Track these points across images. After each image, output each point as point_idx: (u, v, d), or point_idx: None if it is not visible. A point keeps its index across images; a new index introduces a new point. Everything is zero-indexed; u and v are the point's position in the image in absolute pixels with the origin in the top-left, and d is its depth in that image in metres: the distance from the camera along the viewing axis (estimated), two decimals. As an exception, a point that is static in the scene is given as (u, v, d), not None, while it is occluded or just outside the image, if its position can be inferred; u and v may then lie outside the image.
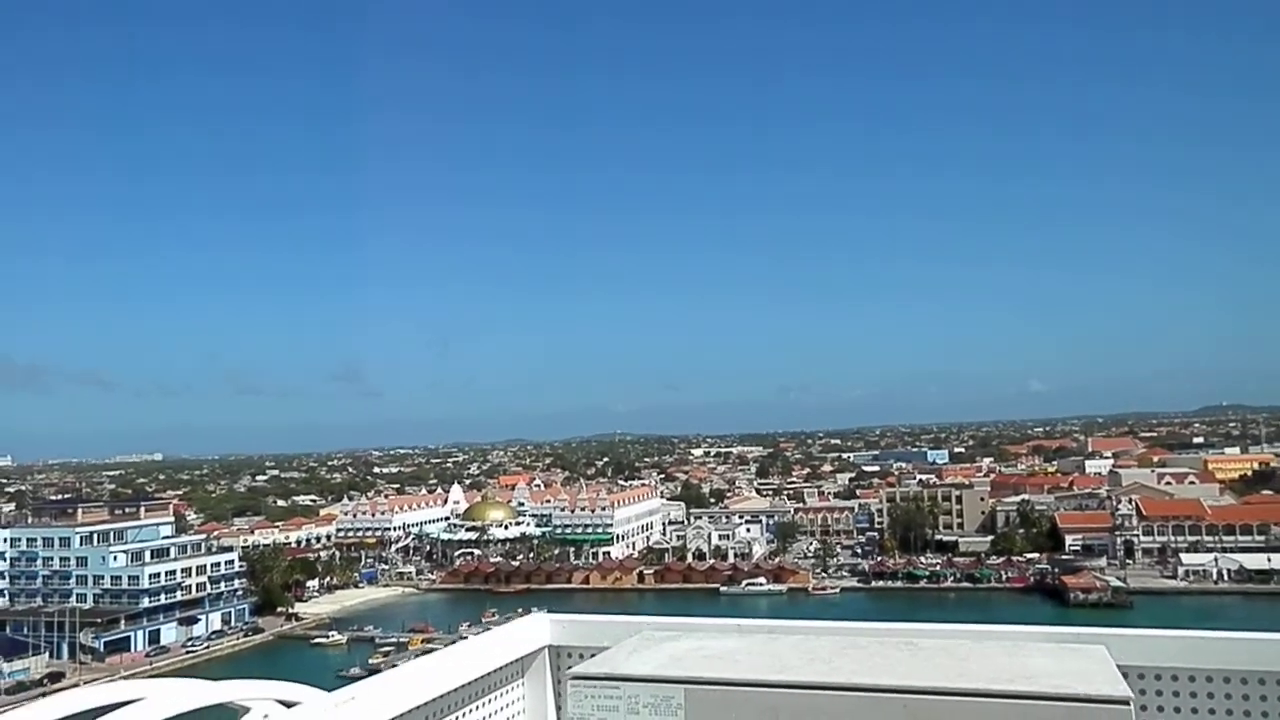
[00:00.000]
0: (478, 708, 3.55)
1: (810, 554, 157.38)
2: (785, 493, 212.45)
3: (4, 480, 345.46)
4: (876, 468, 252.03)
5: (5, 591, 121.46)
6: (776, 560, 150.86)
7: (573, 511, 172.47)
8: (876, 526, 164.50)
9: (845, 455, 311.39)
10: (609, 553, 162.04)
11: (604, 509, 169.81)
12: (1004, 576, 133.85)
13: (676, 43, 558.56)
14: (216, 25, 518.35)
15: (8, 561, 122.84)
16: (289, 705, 3.19)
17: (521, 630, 3.88)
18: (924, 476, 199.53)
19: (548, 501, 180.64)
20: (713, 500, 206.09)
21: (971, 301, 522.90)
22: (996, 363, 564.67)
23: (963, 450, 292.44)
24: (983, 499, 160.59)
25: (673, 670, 2.92)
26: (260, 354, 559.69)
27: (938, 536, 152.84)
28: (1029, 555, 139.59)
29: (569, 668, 3.74)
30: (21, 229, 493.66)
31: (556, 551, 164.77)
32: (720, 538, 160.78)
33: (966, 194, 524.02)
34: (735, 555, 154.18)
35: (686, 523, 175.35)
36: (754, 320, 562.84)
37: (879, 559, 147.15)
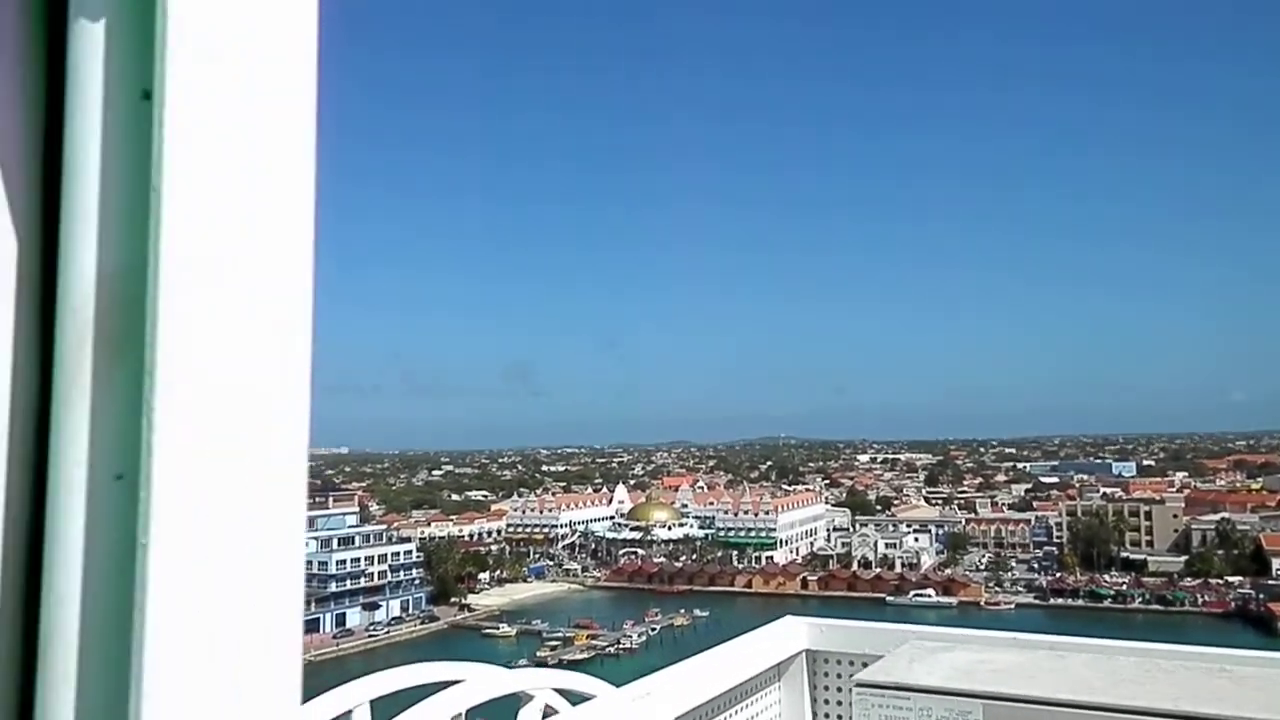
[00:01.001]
0: (738, 711, 3.59)
1: (982, 567, 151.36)
2: (956, 502, 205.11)
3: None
4: (1055, 479, 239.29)
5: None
6: (946, 572, 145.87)
7: (735, 515, 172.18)
8: (1055, 541, 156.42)
9: (1021, 465, 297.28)
10: (772, 557, 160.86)
11: (767, 513, 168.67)
12: (1199, 600, 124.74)
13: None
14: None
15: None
16: (569, 695, 3.46)
17: (778, 634, 3.86)
18: (1108, 490, 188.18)
19: (711, 504, 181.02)
20: (879, 507, 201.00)
21: (1164, 305, 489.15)
22: (1192, 371, 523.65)
23: (1152, 463, 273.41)
24: (1175, 516, 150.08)
25: (965, 683, 2.75)
26: (437, 354, 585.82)
27: (1123, 554, 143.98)
28: (1229, 579, 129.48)
29: (825, 674, 3.73)
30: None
31: (719, 554, 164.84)
32: (886, 546, 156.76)
33: (1161, 191, 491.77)
34: (902, 565, 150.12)
35: (851, 530, 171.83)
36: (925, 322, 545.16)
37: (1057, 575, 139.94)
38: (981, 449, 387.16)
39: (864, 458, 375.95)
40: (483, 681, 3.22)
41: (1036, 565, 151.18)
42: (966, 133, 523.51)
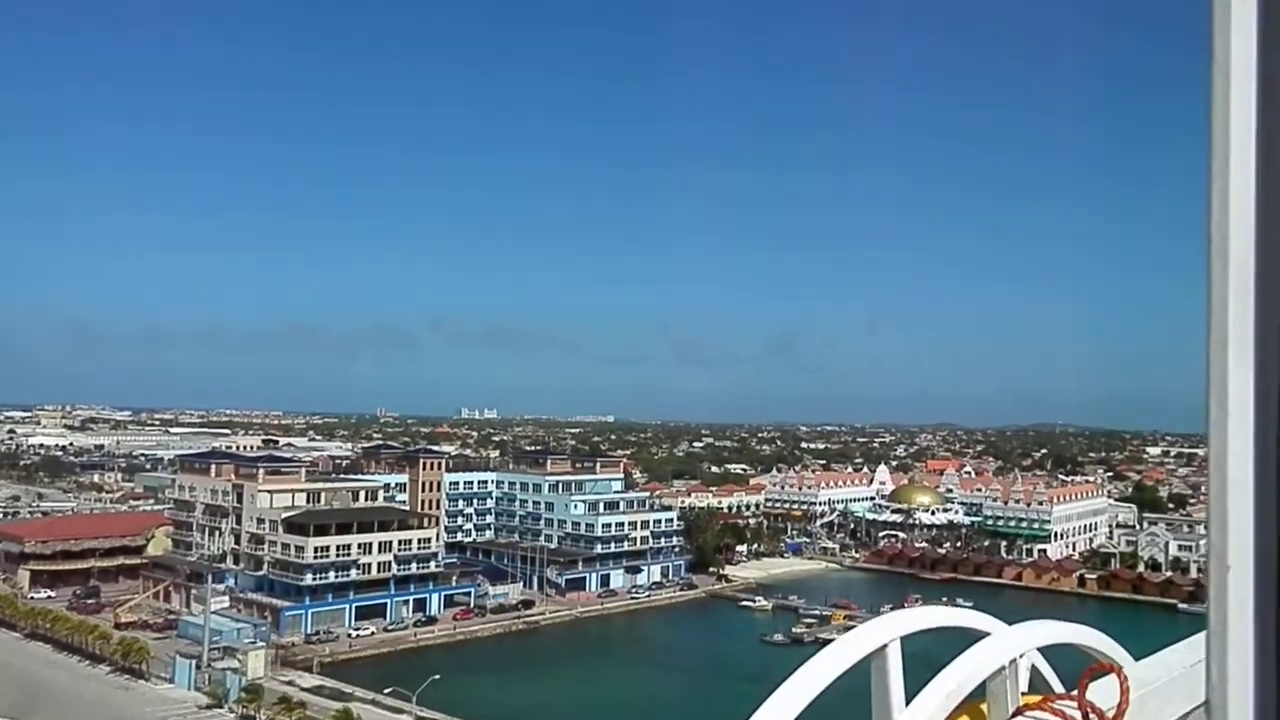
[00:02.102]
0: None
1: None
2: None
3: (491, 430, 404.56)
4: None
5: (492, 526, 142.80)
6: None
7: (1005, 503, 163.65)
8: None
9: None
10: (1044, 550, 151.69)
11: (1041, 504, 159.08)
12: None
13: None
14: None
15: (494, 500, 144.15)
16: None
17: None
18: None
19: (978, 490, 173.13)
20: (1171, 505, 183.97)
21: None
22: None
23: None
24: None
25: None
26: (707, 327, 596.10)
27: None
28: None
29: None
30: (518, 205, 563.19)
31: (986, 543, 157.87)
32: (1180, 548, 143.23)
33: None
34: (1198, 569, 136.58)
35: (1138, 528, 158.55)
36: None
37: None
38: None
39: (1155, 450, 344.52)
40: (1020, 636, 3.66)
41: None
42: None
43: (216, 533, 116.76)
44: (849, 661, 3.21)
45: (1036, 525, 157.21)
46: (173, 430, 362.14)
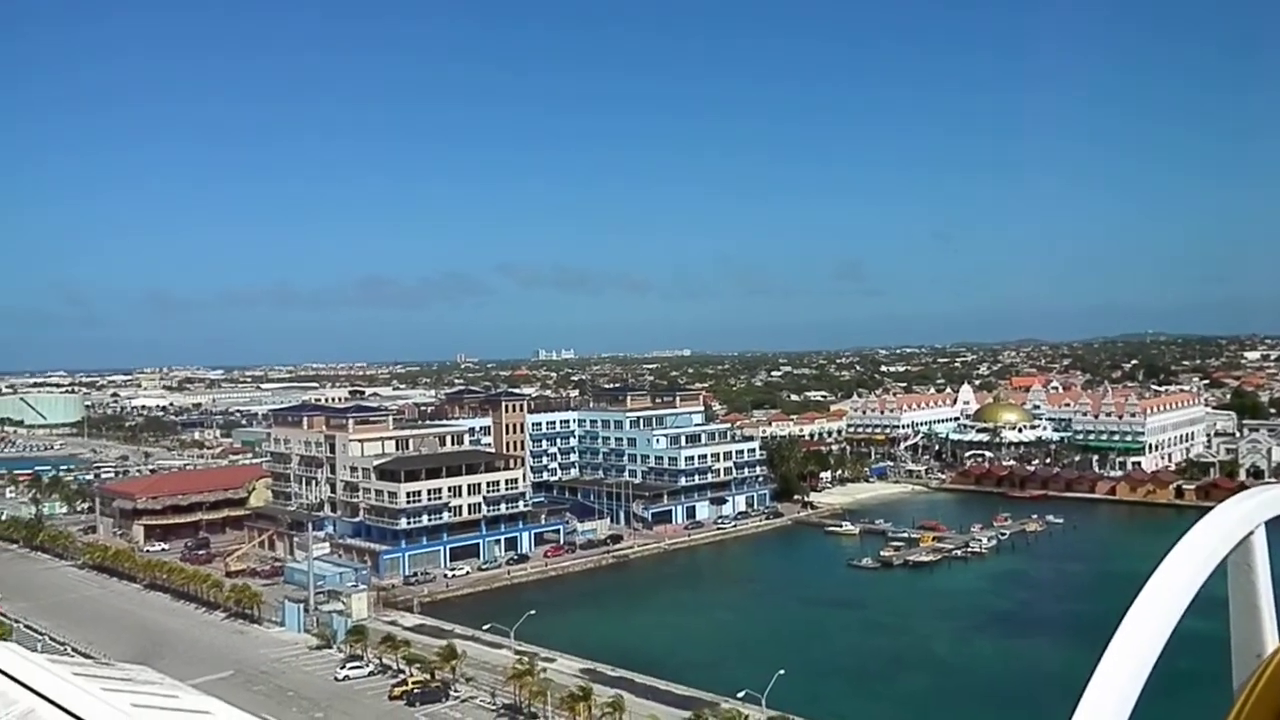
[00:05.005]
0: None
1: None
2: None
3: (569, 370, 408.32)
4: None
5: (576, 464, 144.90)
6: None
7: (1096, 417, 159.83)
8: None
9: None
10: (1138, 463, 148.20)
11: (1133, 415, 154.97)
12: None
13: None
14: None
15: (577, 439, 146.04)
16: None
17: None
18: None
19: (1066, 405, 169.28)
20: (1273, 411, 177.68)
21: None
22: None
23: None
24: None
25: None
26: (768, 256, 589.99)
27: None
28: None
29: None
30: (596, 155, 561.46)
31: (1076, 459, 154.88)
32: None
33: None
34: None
35: (1238, 435, 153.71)
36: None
37: None
38: None
39: (1253, 355, 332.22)
40: None
41: None
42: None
43: (313, 482, 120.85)
44: (1206, 570, 2.75)
45: (1129, 438, 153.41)
46: (263, 386, 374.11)
